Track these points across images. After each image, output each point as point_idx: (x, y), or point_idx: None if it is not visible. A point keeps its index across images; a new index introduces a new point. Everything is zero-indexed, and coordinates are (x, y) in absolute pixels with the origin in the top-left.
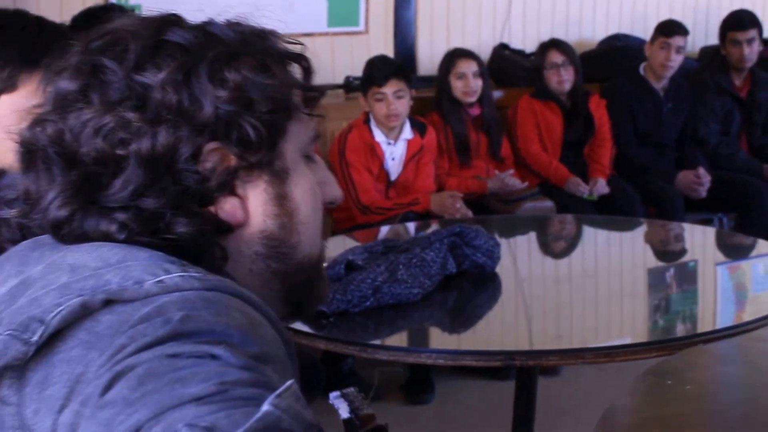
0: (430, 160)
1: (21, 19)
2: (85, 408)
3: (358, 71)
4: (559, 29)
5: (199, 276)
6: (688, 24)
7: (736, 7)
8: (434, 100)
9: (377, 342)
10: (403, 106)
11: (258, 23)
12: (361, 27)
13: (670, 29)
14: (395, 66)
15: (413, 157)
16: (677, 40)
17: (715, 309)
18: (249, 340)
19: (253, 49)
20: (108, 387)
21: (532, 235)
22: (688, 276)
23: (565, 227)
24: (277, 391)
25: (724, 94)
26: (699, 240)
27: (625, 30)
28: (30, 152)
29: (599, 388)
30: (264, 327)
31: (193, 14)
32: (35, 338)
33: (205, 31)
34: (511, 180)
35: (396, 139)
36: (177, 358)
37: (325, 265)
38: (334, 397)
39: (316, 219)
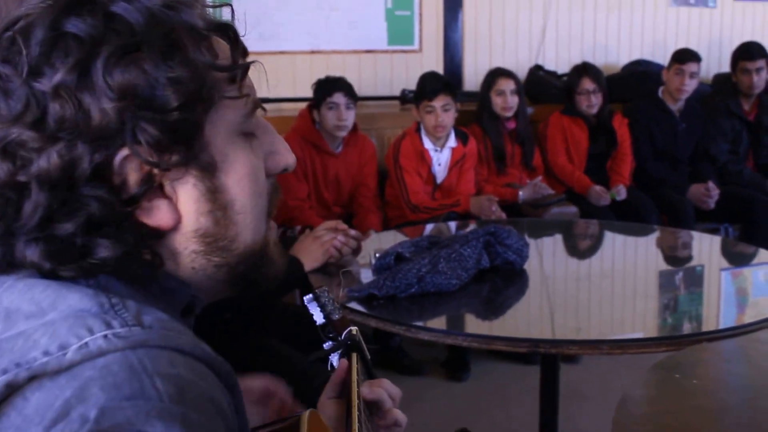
0: (471, 167)
1: None
2: None
3: (412, 85)
4: (588, 53)
5: (123, 332)
6: (702, 52)
7: (746, 38)
8: (476, 114)
9: (420, 323)
10: (449, 118)
11: None
12: (416, 46)
13: (684, 57)
14: (443, 82)
15: (457, 163)
16: (691, 67)
17: (718, 310)
18: (178, 399)
19: (160, 30)
20: None
21: (558, 237)
22: (695, 279)
23: (588, 231)
24: None
25: (733, 117)
26: (706, 247)
27: (647, 56)
28: None
29: (613, 376)
30: (193, 388)
31: (274, 29)
32: None
33: (107, 13)
34: (541, 186)
35: (442, 147)
36: None
37: (377, 255)
38: (307, 300)
39: (257, 204)
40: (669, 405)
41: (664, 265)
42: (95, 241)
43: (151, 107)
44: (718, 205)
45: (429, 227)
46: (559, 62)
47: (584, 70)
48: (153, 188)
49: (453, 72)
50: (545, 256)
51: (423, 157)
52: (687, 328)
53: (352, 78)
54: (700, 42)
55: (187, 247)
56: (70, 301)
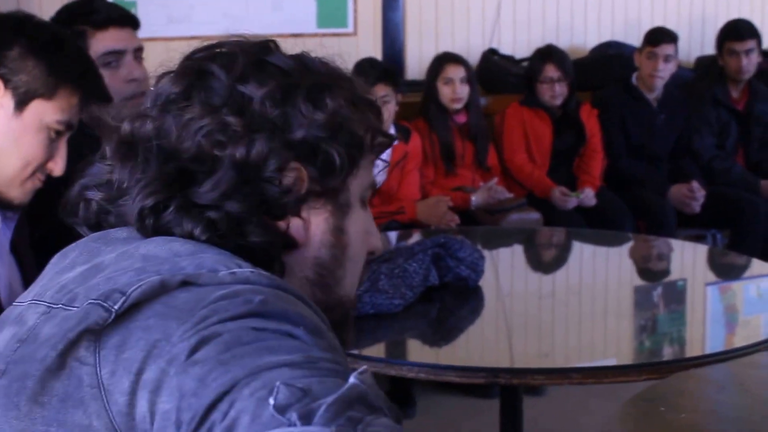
0: (415, 168)
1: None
2: (170, 366)
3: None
4: (550, 35)
5: (267, 275)
6: (683, 33)
7: (733, 15)
8: (420, 106)
9: (356, 352)
10: (388, 111)
11: (342, 66)
12: (350, 29)
13: (656, 37)
14: (381, 69)
15: (397, 164)
16: (664, 49)
17: (705, 332)
18: (319, 331)
19: (342, 85)
20: (194, 350)
21: (518, 248)
22: (676, 296)
23: (552, 241)
24: (360, 369)
25: (720, 106)
26: (689, 258)
27: (618, 37)
28: (129, 144)
29: (583, 410)
30: (324, 325)
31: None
32: (116, 306)
33: (302, 60)
34: (497, 189)
35: None
36: (261, 331)
37: None
38: None
39: (360, 261)
40: None
41: (641, 281)
42: (251, 227)
43: (335, 135)
44: (703, 208)
45: None
46: (517, 46)
47: (548, 54)
48: (301, 203)
49: (393, 58)
50: (503, 271)
51: None
52: (669, 352)
53: None
54: (680, 20)
55: (303, 271)
56: (209, 253)
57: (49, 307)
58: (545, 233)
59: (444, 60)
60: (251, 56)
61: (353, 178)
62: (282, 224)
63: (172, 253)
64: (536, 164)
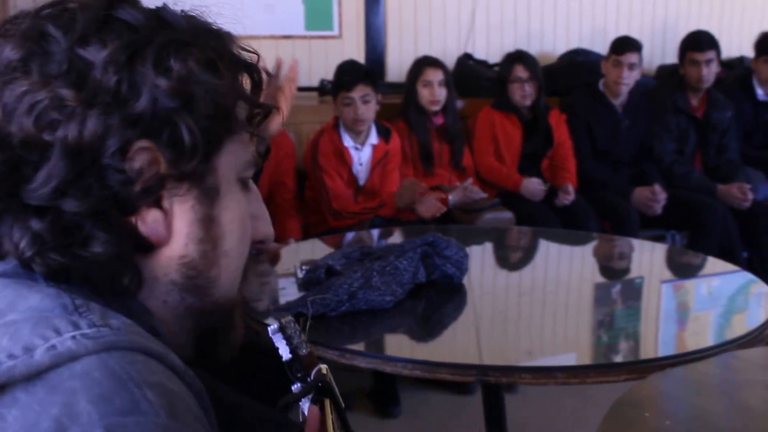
0: (396, 167)
1: None
2: None
3: (331, 75)
4: (522, 41)
5: (92, 333)
6: (645, 41)
7: (693, 26)
8: (401, 107)
9: (356, 348)
10: (369, 110)
11: (216, 21)
12: (336, 32)
13: (621, 46)
14: (363, 71)
15: (379, 162)
16: (629, 57)
17: (676, 330)
18: None
19: (205, 44)
20: None
21: (492, 246)
22: (634, 293)
23: (526, 240)
24: None
25: (680, 113)
26: (647, 257)
27: (586, 45)
28: None
29: (557, 407)
30: (179, 396)
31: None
32: None
33: (158, 15)
34: (472, 189)
35: (363, 143)
36: None
37: (306, 268)
38: (272, 331)
39: (241, 254)
40: None
41: (609, 278)
42: (95, 232)
43: (188, 106)
44: (664, 210)
45: (349, 236)
46: (491, 51)
47: (517, 57)
48: (154, 192)
49: (375, 60)
50: (481, 268)
51: (343, 156)
52: (644, 351)
53: (268, 65)
54: (643, 29)
55: (168, 275)
56: (30, 302)
57: None
58: (518, 232)
59: (423, 63)
60: (95, 12)
61: (220, 157)
62: (134, 220)
63: None
64: (505, 165)
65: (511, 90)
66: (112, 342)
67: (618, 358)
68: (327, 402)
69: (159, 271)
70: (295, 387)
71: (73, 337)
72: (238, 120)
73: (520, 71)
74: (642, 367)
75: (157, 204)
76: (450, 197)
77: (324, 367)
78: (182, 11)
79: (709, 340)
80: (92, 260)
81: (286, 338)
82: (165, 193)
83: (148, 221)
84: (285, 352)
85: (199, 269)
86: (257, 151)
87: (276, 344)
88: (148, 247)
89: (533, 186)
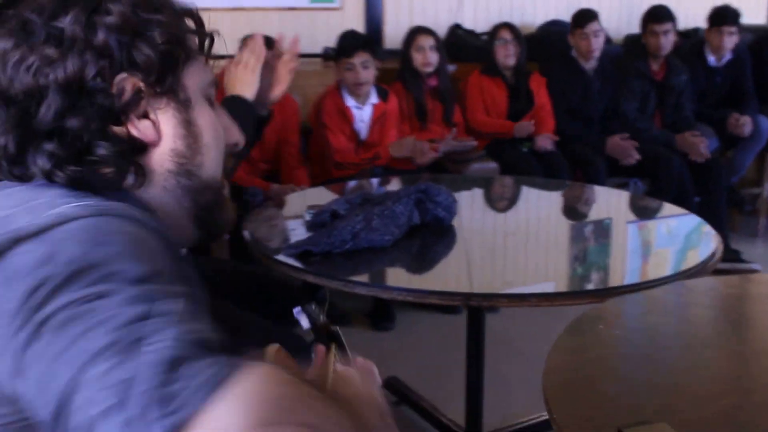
0: (393, 124)
1: None
2: (21, 354)
3: (334, 43)
4: (505, 13)
5: (91, 203)
6: (614, 14)
7: (655, 0)
8: (398, 71)
9: (357, 279)
10: (369, 74)
11: None
12: (337, 4)
13: (582, 19)
14: (362, 39)
15: (378, 119)
16: (592, 26)
17: (633, 263)
18: (132, 265)
19: None
20: (33, 338)
21: (479, 192)
22: (603, 231)
23: (507, 187)
24: (164, 322)
25: (642, 77)
26: (615, 201)
27: (562, 17)
28: None
29: (531, 324)
30: (146, 240)
31: None
32: None
33: None
34: (455, 140)
35: (364, 104)
36: (79, 303)
37: (313, 212)
38: (296, 312)
39: (218, 147)
40: (597, 353)
41: (579, 219)
42: (95, 141)
43: (143, 38)
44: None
45: (351, 184)
46: (478, 21)
47: (503, 24)
48: (140, 106)
49: (374, 30)
50: (470, 211)
51: (345, 115)
52: (615, 278)
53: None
54: (612, 3)
55: (163, 165)
56: (48, 195)
57: None
58: (500, 181)
59: (416, 31)
60: None
61: (186, 77)
62: (132, 129)
63: (12, 205)
64: None
65: (496, 50)
66: (105, 208)
67: (586, 287)
68: (332, 346)
69: (156, 163)
70: (296, 310)
71: (75, 206)
72: (191, 48)
73: (505, 34)
74: (601, 293)
75: (146, 116)
76: (440, 148)
77: (335, 327)
78: None
79: (663, 272)
80: (101, 164)
81: (308, 315)
82: (149, 108)
83: (141, 128)
84: (305, 323)
85: (187, 156)
86: (261, 114)
87: (299, 319)
88: (143, 147)
89: (524, 126)
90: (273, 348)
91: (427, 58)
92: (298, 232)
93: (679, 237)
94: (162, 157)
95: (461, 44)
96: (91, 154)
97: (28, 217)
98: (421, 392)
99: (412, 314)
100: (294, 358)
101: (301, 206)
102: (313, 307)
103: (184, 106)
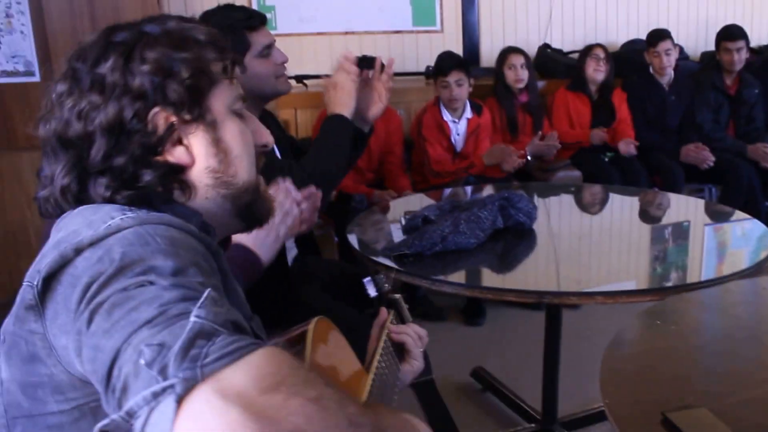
0: (486, 136)
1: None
2: (80, 336)
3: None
4: (590, 34)
5: (134, 216)
6: (691, 33)
7: (729, 20)
8: (492, 87)
9: (442, 278)
10: (462, 92)
11: (185, 22)
12: (438, 27)
13: (655, 38)
14: (457, 60)
15: (473, 132)
16: (663, 46)
17: (701, 264)
18: (169, 261)
19: (172, 36)
20: (90, 321)
21: (563, 199)
22: (682, 234)
23: (589, 193)
24: (198, 304)
25: (717, 90)
26: (692, 207)
27: (642, 36)
28: (43, 144)
29: (608, 320)
30: (182, 241)
31: (312, 12)
32: (36, 282)
33: (139, 30)
34: (540, 141)
35: (459, 118)
36: (126, 291)
37: (407, 217)
38: (366, 281)
39: (248, 153)
40: (651, 345)
41: (653, 223)
42: (141, 171)
43: (171, 76)
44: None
45: (447, 191)
46: (565, 41)
47: (596, 44)
48: (174, 136)
49: (471, 50)
50: (552, 216)
51: (442, 128)
52: (672, 278)
53: (382, 56)
54: (689, 23)
55: (202, 181)
56: (104, 210)
57: (24, 284)
58: (584, 188)
59: (508, 51)
60: (100, 42)
61: (212, 100)
62: (167, 157)
63: (78, 223)
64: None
65: (587, 64)
66: (145, 218)
67: (649, 285)
68: (392, 312)
69: (196, 179)
70: (366, 280)
71: (122, 219)
72: (215, 74)
73: (599, 51)
74: (658, 292)
75: (180, 142)
76: (527, 149)
77: (397, 296)
78: (158, 20)
79: (714, 272)
80: (149, 187)
81: (375, 283)
82: (181, 134)
83: (176, 154)
84: (372, 291)
85: (221, 171)
86: (363, 131)
87: (367, 287)
88: (182, 169)
89: (598, 134)
90: (316, 321)
91: (518, 75)
92: (395, 236)
93: (738, 240)
94: (200, 175)
95: (550, 62)
96: (139, 181)
97: (88, 230)
98: (505, 381)
99: (501, 310)
100: (339, 330)
101: (400, 212)
102: (381, 276)
103: (212, 127)
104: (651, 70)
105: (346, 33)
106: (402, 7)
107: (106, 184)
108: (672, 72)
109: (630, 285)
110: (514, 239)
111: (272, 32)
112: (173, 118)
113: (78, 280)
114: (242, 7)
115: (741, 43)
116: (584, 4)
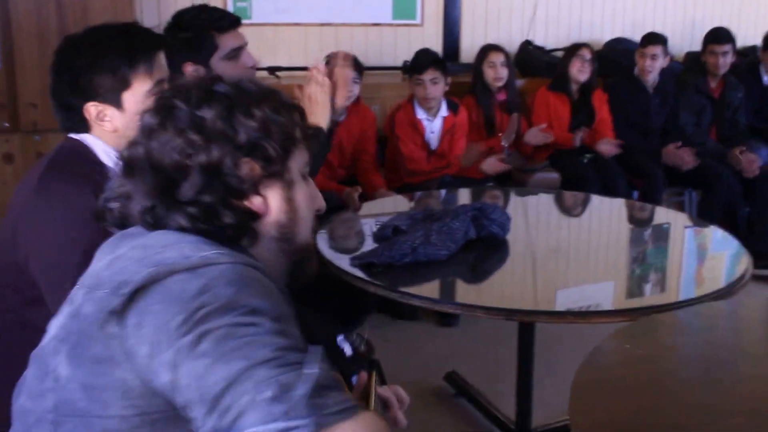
0: (462, 135)
1: (119, 28)
2: (181, 353)
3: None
4: (574, 31)
5: (226, 252)
6: (677, 32)
7: (715, 21)
8: (470, 85)
9: (412, 291)
10: (437, 90)
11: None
12: (418, 21)
13: (646, 41)
14: (433, 57)
15: (448, 131)
16: (651, 49)
17: (678, 284)
18: (271, 306)
19: (271, 98)
20: (197, 342)
21: (540, 208)
22: (659, 252)
23: (566, 202)
24: (314, 357)
25: (700, 93)
26: (672, 221)
27: (627, 35)
28: (129, 164)
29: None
30: (271, 288)
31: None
32: (125, 291)
33: (238, 85)
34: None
35: (434, 116)
36: (237, 326)
37: (379, 226)
38: (340, 340)
39: (310, 216)
40: (621, 372)
41: (630, 237)
42: (223, 210)
43: (268, 134)
44: (683, 172)
45: (418, 195)
46: (548, 38)
47: (583, 43)
48: (256, 186)
49: (451, 45)
50: (527, 227)
51: (416, 126)
52: (647, 298)
53: (358, 49)
54: (675, 22)
55: (269, 232)
56: (189, 240)
57: (87, 290)
58: (561, 195)
59: (488, 48)
60: (203, 88)
61: (292, 161)
62: (247, 203)
63: (161, 245)
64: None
65: (572, 64)
66: (239, 259)
67: (621, 306)
68: (373, 373)
69: (264, 230)
70: (340, 338)
71: (216, 253)
72: (297, 138)
73: (585, 52)
74: (630, 313)
75: (259, 193)
76: (502, 138)
77: (375, 359)
78: (252, 81)
79: (690, 292)
80: (225, 227)
81: (350, 343)
82: (263, 186)
83: (255, 203)
84: (348, 350)
85: (288, 227)
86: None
87: (341, 347)
88: (257, 217)
89: (578, 135)
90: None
91: (497, 73)
92: (366, 243)
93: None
94: (268, 226)
95: (531, 59)
96: (218, 219)
97: (177, 254)
98: (478, 386)
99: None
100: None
101: (373, 212)
102: (355, 336)
103: (288, 185)
104: (636, 71)
105: (323, 24)
106: (382, 1)
107: (190, 215)
108: (657, 75)
109: (604, 303)
110: (486, 251)
111: (247, 22)
112: (260, 171)
113: (177, 299)
114: (215, 8)
115: (728, 47)
116: (569, 1)
